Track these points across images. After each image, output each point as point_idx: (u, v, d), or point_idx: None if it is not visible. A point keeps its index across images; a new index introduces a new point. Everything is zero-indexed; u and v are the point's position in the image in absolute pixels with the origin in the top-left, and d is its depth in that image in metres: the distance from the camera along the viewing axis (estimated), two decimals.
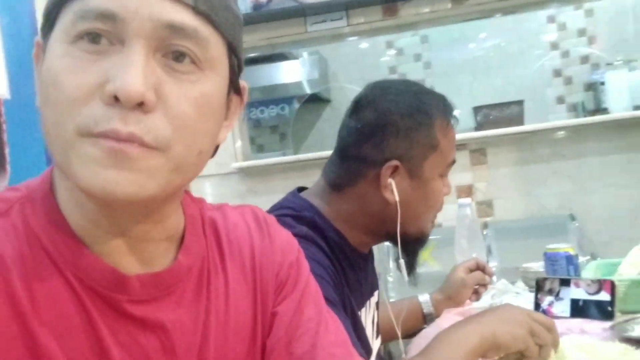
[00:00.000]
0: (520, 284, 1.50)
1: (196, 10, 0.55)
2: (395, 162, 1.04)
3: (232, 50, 0.61)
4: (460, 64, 4.63)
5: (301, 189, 1.17)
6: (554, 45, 4.48)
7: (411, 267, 1.16)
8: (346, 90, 4.30)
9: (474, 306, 1.42)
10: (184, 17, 0.54)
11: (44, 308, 0.55)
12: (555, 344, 0.93)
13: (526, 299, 1.39)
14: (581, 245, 2.90)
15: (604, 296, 1.23)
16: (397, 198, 1.05)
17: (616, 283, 1.22)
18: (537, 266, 1.55)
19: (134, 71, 0.51)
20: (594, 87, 4.12)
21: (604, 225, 2.92)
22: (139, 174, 0.53)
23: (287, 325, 0.69)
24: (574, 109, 4.29)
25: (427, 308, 1.41)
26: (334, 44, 3.63)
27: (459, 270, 1.42)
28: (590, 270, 1.41)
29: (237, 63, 0.62)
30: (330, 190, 1.11)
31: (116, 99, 0.51)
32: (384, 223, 1.09)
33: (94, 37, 0.53)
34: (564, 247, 1.41)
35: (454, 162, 1.12)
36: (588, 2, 4.12)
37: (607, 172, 2.97)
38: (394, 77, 4.73)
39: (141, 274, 0.59)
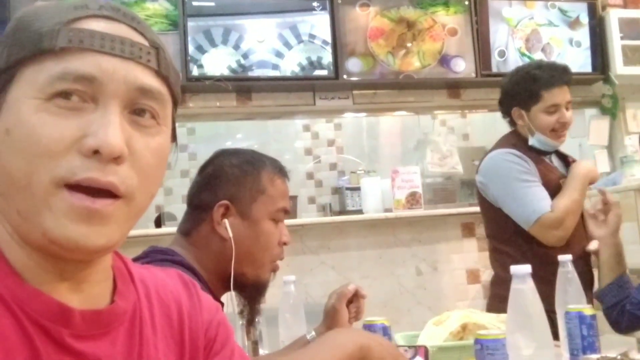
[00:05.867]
0: None
1: (159, 74, 0.64)
2: (225, 202, 1.22)
3: (175, 104, 0.70)
4: None
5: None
6: (308, 151, 5.00)
7: (252, 313, 1.31)
8: None
9: None
10: (152, 81, 0.63)
11: None
12: None
13: None
14: None
15: None
16: (230, 234, 1.20)
17: (429, 348, 1.45)
18: None
19: (114, 129, 0.58)
20: (340, 191, 4.69)
21: None
22: (108, 227, 0.59)
23: None
24: (323, 209, 4.78)
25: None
26: None
27: (331, 299, 1.48)
28: (398, 340, 1.63)
29: (175, 113, 0.71)
30: (182, 237, 1.26)
31: (94, 152, 0.57)
32: (224, 262, 1.22)
33: (66, 94, 0.58)
34: (380, 320, 1.62)
35: (286, 211, 1.30)
36: (337, 117, 4.75)
37: (363, 265, 3.37)
38: None
39: (84, 310, 0.62)
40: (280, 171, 1.33)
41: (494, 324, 1.53)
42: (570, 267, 1.63)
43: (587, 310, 1.50)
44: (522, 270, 1.12)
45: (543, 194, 1.98)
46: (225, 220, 1.21)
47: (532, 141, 2.13)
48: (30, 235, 0.58)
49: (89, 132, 0.57)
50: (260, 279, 1.27)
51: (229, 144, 5.12)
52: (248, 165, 1.28)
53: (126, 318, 0.67)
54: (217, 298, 1.23)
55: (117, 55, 0.60)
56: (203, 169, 1.32)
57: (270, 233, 1.26)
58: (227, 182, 1.25)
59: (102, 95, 0.59)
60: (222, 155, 1.32)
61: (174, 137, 0.70)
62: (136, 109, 0.61)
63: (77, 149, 0.57)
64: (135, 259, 1.12)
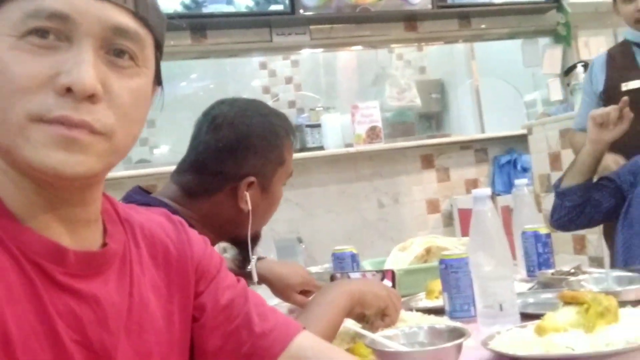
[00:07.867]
0: None
1: (136, 15, 0.64)
2: (252, 179, 1.20)
3: (159, 47, 0.70)
4: (180, 99, 4.74)
5: (142, 189, 1.22)
6: (266, 90, 4.96)
7: (245, 259, 1.33)
8: None
9: None
10: (128, 21, 0.63)
11: None
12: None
13: None
14: (307, 264, 3.28)
15: (387, 283, 1.51)
16: (249, 207, 1.21)
17: (396, 272, 1.51)
18: (316, 268, 1.83)
19: (86, 67, 0.58)
20: (300, 129, 4.69)
21: (326, 246, 3.35)
22: (87, 156, 0.60)
23: (221, 304, 0.77)
24: None
25: None
26: None
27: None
28: (366, 266, 1.70)
29: (160, 57, 0.71)
30: (184, 195, 1.21)
31: (68, 90, 0.58)
32: (235, 228, 1.24)
33: (42, 32, 0.58)
34: (349, 248, 1.68)
35: (291, 173, 1.31)
36: (294, 54, 4.70)
37: (327, 200, 3.43)
38: None
39: (77, 250, 0.64)
40: (293, 133, 1.32)
41: (456, 246, 1.60)
42: (526, 191, 1.71)
43: (542, 229, 1.58)
44: (482, 193, 1.17)
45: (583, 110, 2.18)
46: (247, 194, 1.20)
47: (624, 34, 2.13)
48: (16, 165, 0.60)
49: (63, 70, 0.57)
50: (259, 233, 1.32)
51: (184, 85, 5.03)
52: (273, 136, 1.24)
53: (117, 259, 0.69)
54: None
55: None
56: (217, 129, 1.20)
57: (280, 197, 1.29)
58: (254, 155, 1.21)
59: (76, 34, 0.59)
60: (238, 117, 1.22)
61: (158, 80, 0.70)
62: (114, 50, 0.62)
63: (51, 87, 0.57)
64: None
